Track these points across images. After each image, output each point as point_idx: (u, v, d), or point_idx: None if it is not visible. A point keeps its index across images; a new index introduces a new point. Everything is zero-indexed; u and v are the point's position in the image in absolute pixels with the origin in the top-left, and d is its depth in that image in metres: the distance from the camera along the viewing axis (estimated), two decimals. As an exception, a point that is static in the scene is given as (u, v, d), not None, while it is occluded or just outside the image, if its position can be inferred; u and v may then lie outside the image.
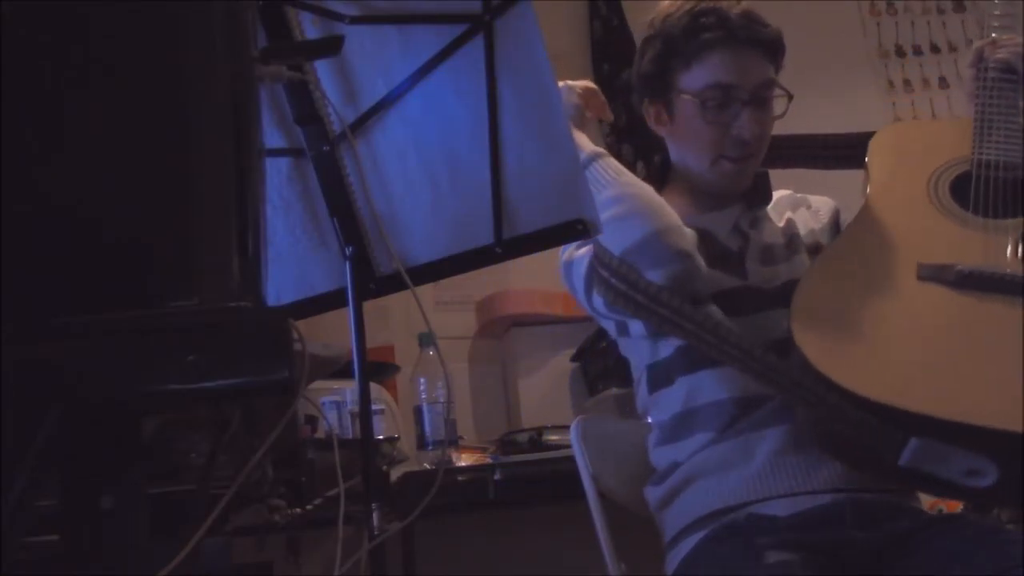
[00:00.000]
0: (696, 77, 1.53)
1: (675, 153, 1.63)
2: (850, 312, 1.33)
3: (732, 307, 1.47)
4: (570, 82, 1.60)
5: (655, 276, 1.40)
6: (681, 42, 1.53)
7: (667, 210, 1.46)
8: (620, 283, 1.40)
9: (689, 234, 1.47)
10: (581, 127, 1.58)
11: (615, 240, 1.42)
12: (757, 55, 1.53)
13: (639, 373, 1.58)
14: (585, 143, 1.53)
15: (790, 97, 1.57)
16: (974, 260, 1.32)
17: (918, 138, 1.63)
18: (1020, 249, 1.33)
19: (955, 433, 1.16)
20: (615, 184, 1.47)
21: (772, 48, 1.55)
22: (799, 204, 1.66)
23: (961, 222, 1.40)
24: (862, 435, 1.21)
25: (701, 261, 1.45)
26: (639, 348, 1.57)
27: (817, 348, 1.27)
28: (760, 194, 1.62)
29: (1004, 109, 1.52)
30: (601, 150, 1.53)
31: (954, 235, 1.38)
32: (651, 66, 1.58)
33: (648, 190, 1.48)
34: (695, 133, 1.56)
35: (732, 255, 1.54)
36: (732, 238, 1.56)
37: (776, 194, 1.65)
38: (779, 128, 1.63)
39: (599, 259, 1.44)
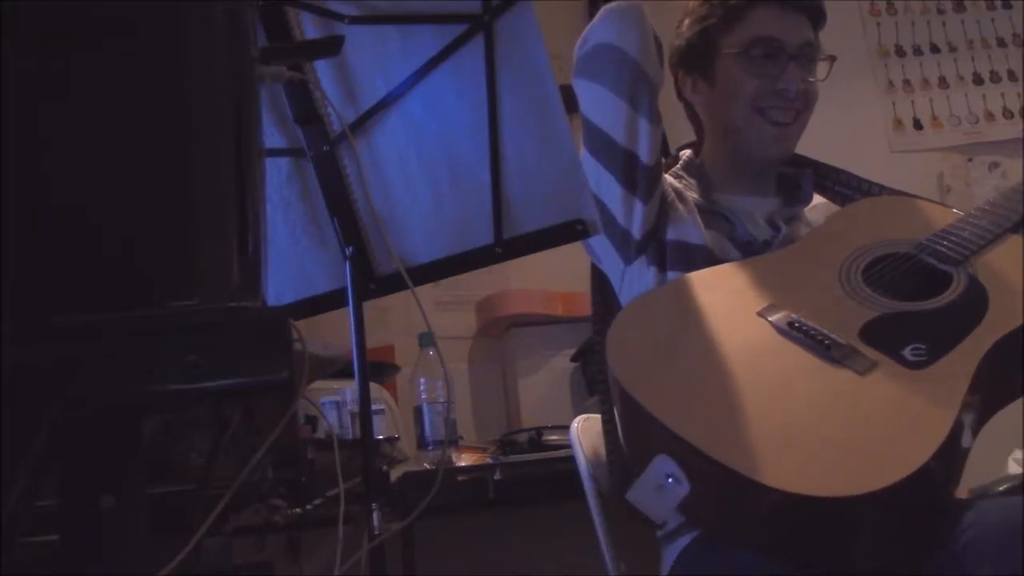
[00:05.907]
0: (739, 35, 1.55)
1: (712, 119, 1.63)
2: (671, 318, 1.32)
3: None
4: None
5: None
6: (720, 6, 1.56)
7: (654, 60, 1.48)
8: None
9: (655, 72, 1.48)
10: None
11: (608, 33, 1.46)
12: (799, 15, 1.55)
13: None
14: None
15: (832, 59, 1.59)
16: (821, 319, 1.25)
17: (889, 212, 1.51)
18: (863, 325, 1.25)
19: (650, 426, 1.16)
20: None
21: (813, 12, 1.57)
22: None
23: (850, 291, 1.32)
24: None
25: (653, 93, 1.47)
26: None
27: (615, 336, 1.29)
28: (799, 192, 1.61)
29: (1002, 211, 1.40)
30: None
31: (829, 297, 1.31)
32: (691, 35, 1.60)
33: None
34: (738, 88, 1.56)
35: (755, 244, 1.53)
36: (763, 228, 1.56)
37: (814, 200, 1.64)
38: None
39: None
